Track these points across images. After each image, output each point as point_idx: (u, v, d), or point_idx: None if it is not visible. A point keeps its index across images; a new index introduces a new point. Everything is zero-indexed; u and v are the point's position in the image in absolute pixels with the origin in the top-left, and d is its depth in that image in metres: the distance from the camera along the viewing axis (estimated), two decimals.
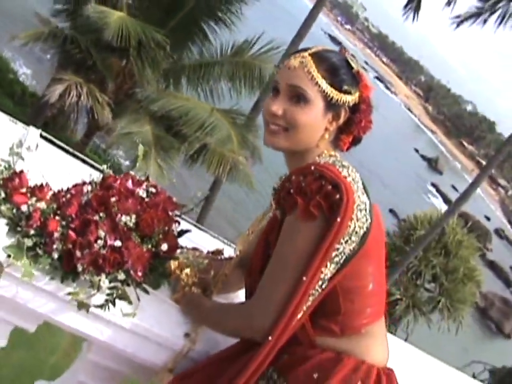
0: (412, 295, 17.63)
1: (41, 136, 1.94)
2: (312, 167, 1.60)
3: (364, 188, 1.67)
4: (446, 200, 63.57)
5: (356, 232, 1.58)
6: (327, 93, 1.66)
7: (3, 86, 17.92)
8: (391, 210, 40.62)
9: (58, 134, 15.92)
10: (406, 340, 17.12)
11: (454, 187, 69.02)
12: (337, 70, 1.69)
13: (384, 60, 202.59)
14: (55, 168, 1.81)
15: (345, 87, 1.68)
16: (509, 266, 62.67)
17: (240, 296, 2.03)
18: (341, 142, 1.76)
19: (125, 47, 12.41)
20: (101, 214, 1.52)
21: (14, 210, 1.53)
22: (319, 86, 1.65)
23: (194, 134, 12.56)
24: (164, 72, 13.61)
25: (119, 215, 1.53)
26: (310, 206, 1.54)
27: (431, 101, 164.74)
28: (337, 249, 1.56)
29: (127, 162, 12.97)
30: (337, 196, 1.53)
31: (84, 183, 1.63)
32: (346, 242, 1.57)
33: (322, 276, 1.57)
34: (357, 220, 1.57)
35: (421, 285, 18.31)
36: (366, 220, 1.61)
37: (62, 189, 1.62)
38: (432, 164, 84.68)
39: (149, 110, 12.78)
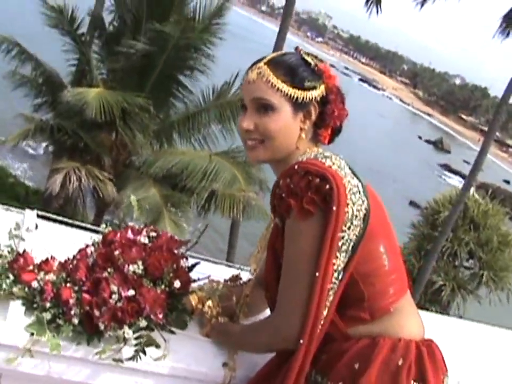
0: (454, 277, 17.42)
1: (38, 216, 2.01)
2: (296, 166, 1.61)
3: (353, 172, 1.70)
4: (461, 176, 63.17)
5: (356, 216, 1.59)
6: (291, 95, 1.67)
7: (6, 191, 18.16)
8: (411, 203, 40.38)
9: None
10: None
11: (465, 161, 68.49)
12: (295, 70, 1.71)
13: (363, 60, 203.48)
14: (58, 242, 1.88)
15: (307, 84, 1.70)
16: None
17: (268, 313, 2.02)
18: (320, 137, 1.77)
19: (110, 120, 12.62)
20: (109, 270, 1.57)
21: (26, 289, 1.57)
22: (281, 91, 1.67)
23: (200, 184, 12.65)
24: (154, 134, 13.78)
25: (126, 266, 1.57)
26: (304, 204, 1.55)
27: (420, 85, 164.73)
28: (342, 237, 1.57)
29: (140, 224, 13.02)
30: (327, 186, 1.55)
31: (87, 246, 1.69)
32: (349, 228, 1.58)
33: (335, 267, 1.58)
34: (353, 204, 1.59)
35: (460, 265, 18.11)
36: (363, 202, 1.62)
37: (68, 258, 1.67)
38: (438, 145, 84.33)
39: (150, 173, 12.91)
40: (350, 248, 1.60)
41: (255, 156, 1.75)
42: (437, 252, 16.67)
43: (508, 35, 18.73)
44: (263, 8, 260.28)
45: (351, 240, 1.60)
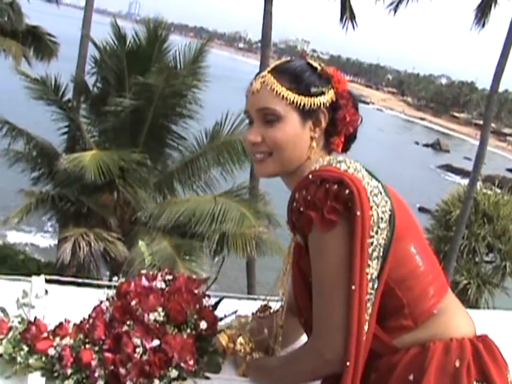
0: (477, 274, 17.24)
1: (47, 281, 1.91)
2: (310, 176, 1.53)
3: (370, 174, 1.60)
4: (465, 173, 63.08)
5: (382, 219, 1.50)
6: (297, 103, 1.59)
7: (18, 269, 18.10)
8: (420, 209, 40.16)
9: None
10: None
11: (466, 158, 68.46)
12: (300, 76, 1.63)
13: (347, 78, 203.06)
14: (71, 304, 1.79)
15: (314, 90, 1.62)
16: None
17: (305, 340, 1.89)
18: (333, 145, 1.68)
19: (110, 181, 12.65)
20: (128, 323, 1.46)
21: (43, 358, 1.48)
22: (287, 99, 1.59)
23: (210, 228, 12.57)
24: (155, 186, 13.75)
25: (146, 315, 1.47)
26: (325, 214, 1.46)
27: (407, 92, 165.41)
28: (371, 243, 1.48)
29: None
30: (347, 192, 1.46)
31: (102, 302, 1.59)
32: (376, 232, 1.49)
33: (369, 277, 1.48)
34: (377, 206, 1.50)
35: (481, 261, 17.96)
36: (386, 202, 1.54)
37: (84, 318, 1.57)
38: (436, 147, 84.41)
39: (158, 226, 12.84)
40: (380, 253, 1.51)
41: (264, 169, 1.67)
42: (455, 252, 16.51)
43: (483, 25, 18.82)
44: (241, 45, 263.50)
45: (380, 245, 1.50)
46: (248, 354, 1.72)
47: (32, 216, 13.25)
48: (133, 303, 1.49)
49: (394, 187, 1.67)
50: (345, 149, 1.73)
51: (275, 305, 1.92)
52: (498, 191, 19.16)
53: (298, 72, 1.64)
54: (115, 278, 1.66)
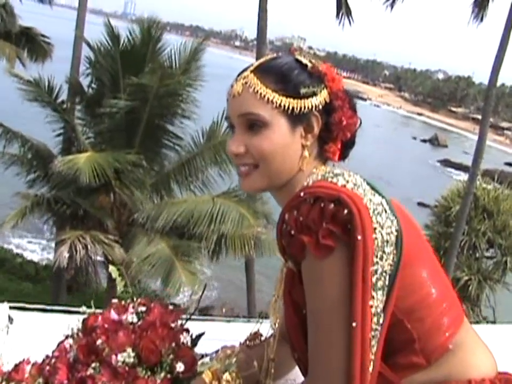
0: (478, 270, 17.11)
1: (11, 307, 1.72)
2: (302, 194, 1.29)
3: (372, 187, 1.37)
4: (463, 168, 63.04)
5: (387, 242, 1.27)
6: (285, 106, 1.37)
7: (15, 273, 18.04)
8: (419, 204, 39.99)
9: (84, 291, 15.98)
10: (494, 314, 16.64)
11: (465, 152, 68.33)
12: (288, 75, 1.40)
13: (344, 74, 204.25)
14: (38, 334, 1.63)
15: (304, 90, 1.39)
16: None
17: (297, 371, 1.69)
18: (328, 154, 1.45)
19: (106, 182, 12.55)
20: (94, 365, 1.23)
21: None
22: (273, 102, 1.37)
23: (209, 228, 12.47)
24: (152, 187, 13.62)
25: (114, 357, 1.23)
26: (321, 238, 1.23)
27: (404, 88, 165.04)
28: (375, 271, 1.25)
29: (158, 283, 12.88)
30: (345, 211, 1.23)
31: (66, 337, 1.36)
32: (381, 258, 1.26)
33: (373, 310, 1.25)
34: (381, 227, 1.27)
35: (481, 256, 17.83)
36: (392, 222, 1.30)
37: (47, 356, 1.35)
38: (434, 142, 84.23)
39: (156, 227, 12.72)
40: (386, 282, 1.28)
41: (250, 184, 1.44)
42: (455, 248, 16.37)
43: (481, 19, 18.68)
44: (237, 43, 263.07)
45: (386, 272, 1.27)
46: None
47: (27, 220, 13.12)
48: (99, 341, 1.26)
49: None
50: (343, 157, 1.50)
51: (267, 331, 1.71)
52: (498, 186, 19.05)
53: (286, 71, 1.41)
54: (83, 308, 1.42)
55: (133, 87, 12.69)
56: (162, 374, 1.24)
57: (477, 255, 17.68)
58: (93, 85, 14.26)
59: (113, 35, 13.32)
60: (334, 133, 1.43)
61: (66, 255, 11.74)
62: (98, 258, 13.92)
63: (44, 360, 1.34)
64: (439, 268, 1.47)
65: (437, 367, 1.35)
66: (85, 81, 14.56)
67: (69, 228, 12.74)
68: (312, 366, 1.30)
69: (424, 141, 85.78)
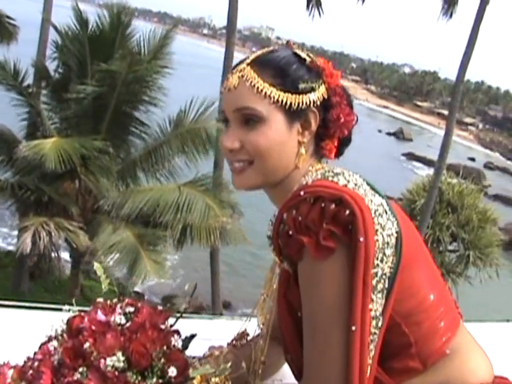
0: (441, 263, 17.36)
1: None
2: (302, 193, 1.25)
3: (372, 187, 1.34)
4: (427, 161, 63.81)
5: (387, 243, 1.24)
6: (282, 102, 1.33)
7: None
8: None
9: (47, 278, 15.77)
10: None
11: (429, 146, 69.13)
12: (285, 69, 1.36)
13: None
14: (16, 333, 1.55)
15: (303, 85, 1.35)
16: None
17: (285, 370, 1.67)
18: (324, 151, 1.42)
19: (71, 169, 12.33)
20: (81, 370, 1.14)
21: None
22: (270, 97, 1.32)
23: (175, 217, 12.39)
24: (118, 174, 13.45)
25: (102, 360, 1.14)
26: (321, 239, 1.19)
27: (371, 81, 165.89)
28: (376, 274, 1.21)
29: (124, 271, 12.77)
30: (346, 212, 1.19)
31: (49, 339, 1.26)
32: (381, 261, 1.22)
33: (372, 314, 1.22)
34: (383, 229, 1.23)
35: (444, 250, 18.10)
36: (392, 223, 1.27)
37: (28, 358, 1.26)
38: (399, 135, 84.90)
39: (121, 215, 12.58)
40: (386, 285, 1.24)
41: (244, 181, 1.39)
42: None
43: (451, 16, 18.86)
44: (205, 31, 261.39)
45: (385, 275, 1.24)
46: None
47: None
48: (87, 344, 1.18)
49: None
50: (338, 154, 1.48)
51: (254, 331, 1.67)
52: (462, 180, 19.33)
53: (284, 65, 1.37)
54: (66, 307, 1.32)
55: (101, 73, 12.50)
56: (154, 380, 1.17)
57: (441, 248, 17.92)
58: (60, 70, 13.99)
59: (81, 19, 13.08)
60: (331, 130, 1.40)
61: (29, 241, 11.54)
62: (62, 245, 13.76)
63: (25, 363, 1.26)
64: (436, 271, 1.45)
65: (433, 372, 1.33)
66: (51, 66, 14.27)
67: (32, 214, 12.51)
68: (309, 369, 1.26)
69: (389, 134, 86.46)
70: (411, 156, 69.20)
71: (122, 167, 13.63)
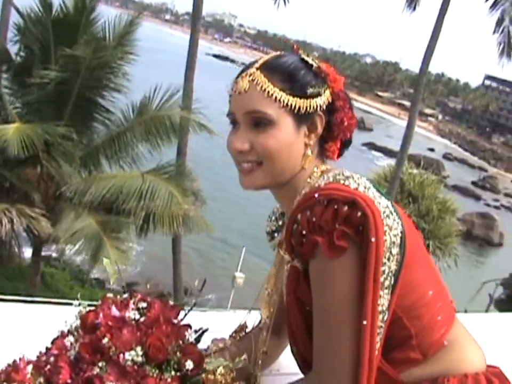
0: None
1: None
2: (316, 195, 1.31)
3: (377, 189, 1.39)
4: (387, 151, 64.59)
5: (394, 243, 1.31)
6: (291, 106, 1.40)
7: None
8: None
9: (7, 266, 15.54)
10: None
11: (388, 136, 69.94)
12: (295, 74, 1.43)
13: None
14: (19, 327, 1.54)
15: (310, 90, 1.42)
16: (470, 182, 64.46)
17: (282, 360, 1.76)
18: (328, 152, 1.51)
19: (34, 154, 12.14)
20: (100, 364, 1.16)
21: None
22: (280, 101, 1.39)
23: (138, 205, 12.32)
24: (81, 161, 13.27)
25: (122, 355, 1.17)
26: (335, 239, 1.26)
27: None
28: (383, 271, 1.29)
29: (83, 256, 12.68)
30: (359, 214, 1.26)
31: (63, 335, 1.27)
32: (389, 259, 1.30)
33: (380, 308, 1.29)
34: (390, 229, 1.31)
35: None
36: (398, 224, 1.33)
37: (41, 352, 1.27)
38: (360, 125, 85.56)
39: (84, 202, 12.45)
40: (392, 282, 1.32)
41: (253, 181, 1.45)
42: None
43: (414, 9, 19.08)
44: (167, 17, 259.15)
45: (392, 272, 1.32)
46: None
47: None
48: (105, 340, 1.19)
49: None
50: (339, 155, 1.56)
51: (253, 322, 1.75)
52: (423, 171, 19.61)
53: (292, 70, 1.44)
54: (76, 302, 1.32)
55: (65, 58, 12.29)
56: (172, 373, 1.20)
57: None
58: (22, 53, 13.71)
59: (45, 2, 12.80)
60: (335, 133, 1.48)
61: None
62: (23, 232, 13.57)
63: (38, 358, 1.27)
64: (435, 268, 1.53)
65: (433, 362, 1.42)
66: (12, 49, 13.99)
67: None
68: (320, 360, 1.33)
69: None
70: (371, 146, 69.88)
71: (85, 154, 13.46)
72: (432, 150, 74.22)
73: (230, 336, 1.74)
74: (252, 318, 1.75)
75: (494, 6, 18.67)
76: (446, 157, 76.73)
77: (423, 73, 17.35)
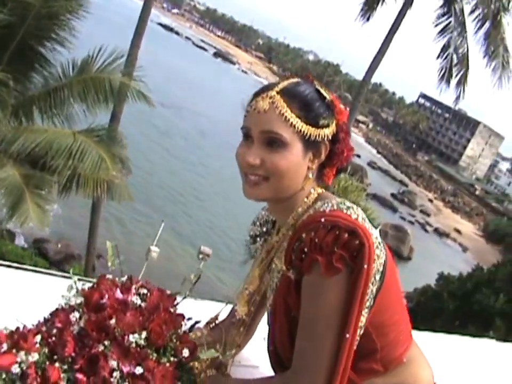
0: None
1: None
2: (323, 219, 1.46)
3: (369, 220, 1.56)
4: None
5: (378, 270, 1.50)
6: (304, 132, 1.53)
7: None
8: None
9: None
10: None
11: None
12: (311, 104, 1.56)
13: (219, 33, 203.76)
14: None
15: (322, 121, 1.56)
16: (389, 193, 66.13)
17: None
18: (324, 177, 1.66)
19: None
20: (106, 343, 1.22)
21: (4, 376, 1.19)
22: (295, 126, 1.52)
23: (66, 163, 12.06)
24: (13, 109, 12.85)
25: (126, 337, 1.23)
26: (333, 260, 1.42)
27: (274, 60, 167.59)
28: (367, 293, 1.47)
29: (4, 210, 12.33)
30: (357, 242, 1.42)
31: (65, 309, 1.31)
32: (372, 283, 1.49)
33: (360, 325, 1.48)
34: (378, 259, 1.50)
35: None
36: (383, 254, 1.54)
37: (39, 322, 1.31)
38: None
39: (10, 152, 12.09)
40: (371, 303, 1.51)
41: (257, 193, 1.58)
42: None
43: (368, 19, 19.42)
44: None
45: (373, 294, 1.51)
46: (203, 371, 1.55)
47: None
48: (112, 321, 1.25)
49: None
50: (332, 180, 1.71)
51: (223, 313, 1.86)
52: (348, 176, 19.92)
53: (309, 100, 1.57)
54: (75, 278, 1.36)
55: (14, 2, 11.87)
56: (170, 358, 1.28)
57: None
58: None
59: None
60: (334, 161, 1.64)
61: None
62: None
63: (37, 327, 1.31)
64: (401, 295, 1.72)
65: (392, 375, 1.61)
66: None
67: None
68: (300, 361, 1.47)
69: None
70: None
71: (18, 102, 13.03)
72: (358, 156, 75.72)
73: (205, 326, 1.85)
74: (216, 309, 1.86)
75: (442, 32, 19.27)
76: (371, 165, 78.52)
77: (365, 83, 17.69)
